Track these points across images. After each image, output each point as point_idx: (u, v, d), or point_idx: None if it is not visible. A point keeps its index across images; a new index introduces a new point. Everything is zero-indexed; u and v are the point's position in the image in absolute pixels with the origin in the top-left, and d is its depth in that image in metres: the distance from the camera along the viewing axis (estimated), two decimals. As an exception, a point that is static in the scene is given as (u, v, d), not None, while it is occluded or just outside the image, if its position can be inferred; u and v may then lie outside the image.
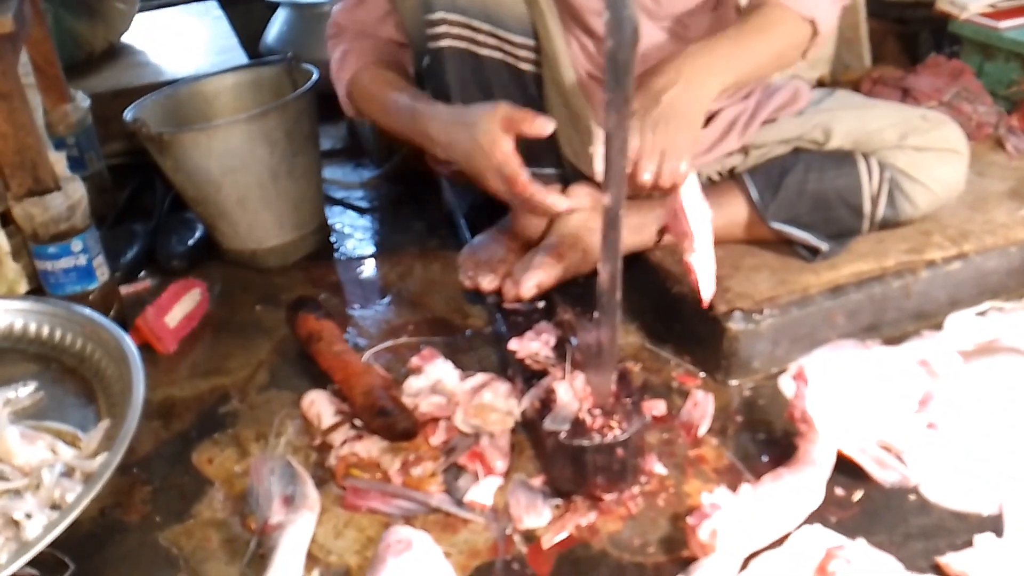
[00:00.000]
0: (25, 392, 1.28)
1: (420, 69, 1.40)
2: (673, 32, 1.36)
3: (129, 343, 1.26)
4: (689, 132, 1.17)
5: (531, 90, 1.37)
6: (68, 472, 1.11)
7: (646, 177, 1.13)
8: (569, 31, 1.35)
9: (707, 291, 1.20)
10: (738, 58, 1.23)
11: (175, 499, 1.20)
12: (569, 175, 1.44)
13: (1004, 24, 1.86)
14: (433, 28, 1.30)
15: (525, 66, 1.36)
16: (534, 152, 1.39)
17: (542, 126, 1.14)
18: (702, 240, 1.16)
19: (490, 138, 1.16)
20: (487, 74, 1.34)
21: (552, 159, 1.42)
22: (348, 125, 2.32)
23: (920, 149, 1.36)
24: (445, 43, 1.31)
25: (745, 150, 1.42)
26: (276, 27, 2.60)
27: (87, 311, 1.36)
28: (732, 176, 1.43)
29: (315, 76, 1.73)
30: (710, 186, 1.43)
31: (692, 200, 1.15)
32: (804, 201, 1.36)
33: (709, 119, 1.39)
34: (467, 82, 1.33)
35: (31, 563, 0.97)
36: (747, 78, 1.29)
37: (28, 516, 1.02)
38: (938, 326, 1.37)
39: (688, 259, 1.18)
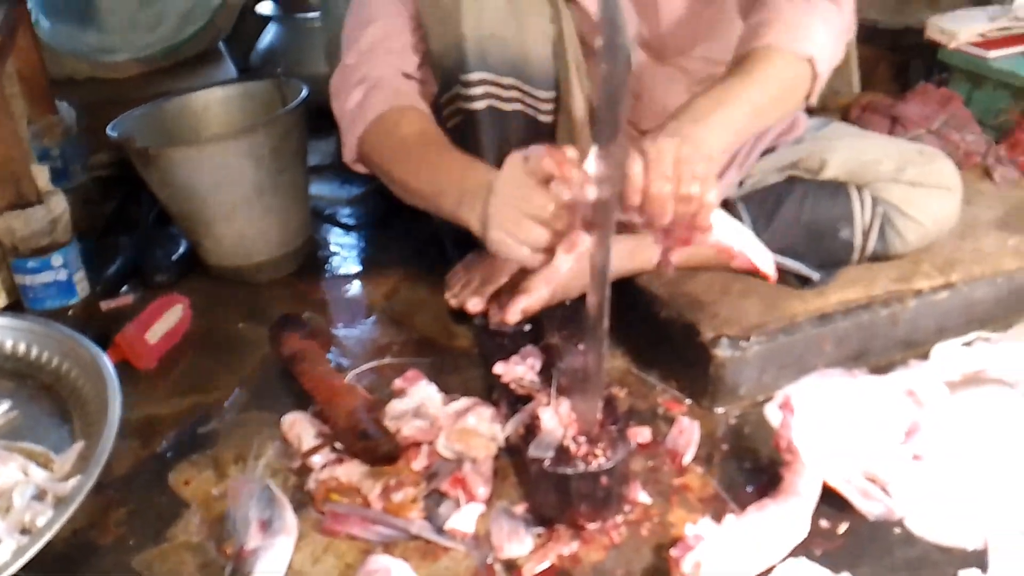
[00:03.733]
0: (-1, 411, 1.26)
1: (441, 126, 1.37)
2: (677, 70, 1.37)
3: (106, 362, 1.24)
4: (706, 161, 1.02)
5: (545, 139, 1.36)
6: (40, 495, 1.09)
7: (663, 188, 0.96)
8: (591, 78, 1.35)
9: (769, 268, 1.10)
10: (736, 111, 1.12)
11: (150, 521, 1.17)
12: None
13: (993, 54, 1.87)
14: (469, 88, 1.28)
15: (543, 117, 1.36)
16: None
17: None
18: (752, 249, 1.08)
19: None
20: (508, 126, 1.32)
21: None
22: (337, 141, 2.30)
23: (915, 184, 1.36)
24: (482, 104, 1.29)
25: (740, 180, 1.41)
26: (267, 40, 2.59)
27: (65, 328, 1.34)
28: (725, 204, 1.42)
29: (305, 92, 1.72)
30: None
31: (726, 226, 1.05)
32: (797, 231, 1.35)
33: None
34: (493, 139, 1.32)
35: (-1, 588, 0.95)
36: (748, 131, 1.20)
37: (-3, 540, 1.00)
38: (925, 355, 1.36)
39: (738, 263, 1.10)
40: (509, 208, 0.99)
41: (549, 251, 1.02)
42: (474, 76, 1.27)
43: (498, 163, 1.32)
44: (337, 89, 1.35)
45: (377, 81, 1.30)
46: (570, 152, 0.95)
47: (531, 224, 0.98)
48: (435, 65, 1.31)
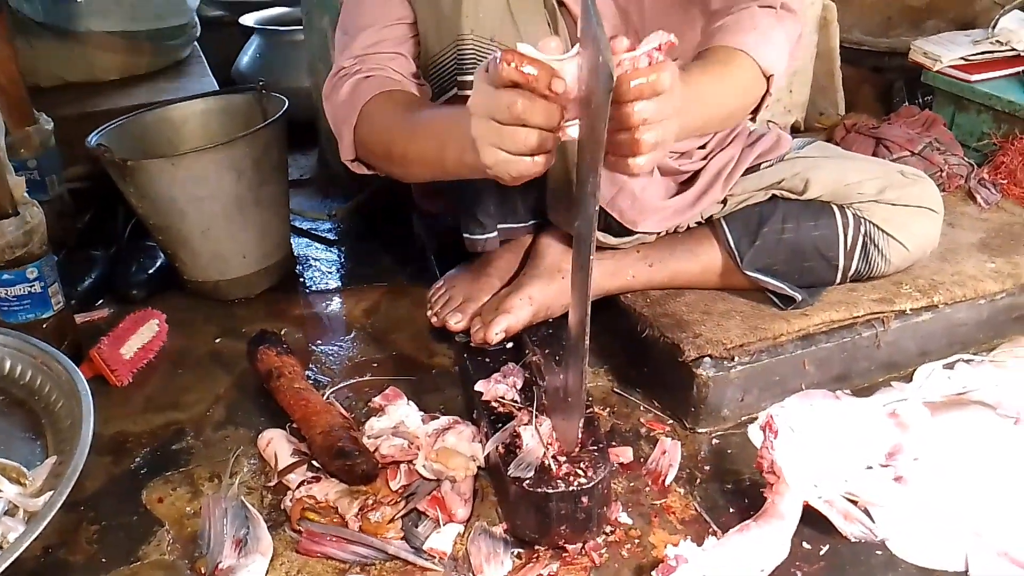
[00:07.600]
0: (-31, 425, 1.23)
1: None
2: None
3: (80, 377, 1.21)
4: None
5: None
6: (11, 511, 1.06)
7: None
8: None
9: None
10: (695, 106, 1.06)
11: (122, 539, 1.15)
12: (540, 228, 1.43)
13: (976, 77, 1.89)
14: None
15: None
16: (510, 208, 1.37)
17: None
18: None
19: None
20: None
21: (525, 215, 1.40)
22: (318, 155, 2.29)
23: (897, 204, 1.36)
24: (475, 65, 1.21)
25: (724, 199, 1.41)
26: (249, 54, 2.58)
27: (39, 342, 1.31)
28: (709, 222, 1.42)
29: (286, 105, 1.70)
30: (686, 232, 1.42)
31: None
32: (780, 251, 1.35)
33: (696, 174, 1.38)
34: None
35: (-35, 607, 0.92)
36: (696, 130, 1.19)
37: (-36, 557, 0.97)
38: (907, 377, 1.36)
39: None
40: (486, 122, 0.91)
41: (548, 151, 0.93)
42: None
43: None
44: (329, 91, 1.30)
45: (368, 72, 1.26)
46: (523, 47, 0.87)
47: (512, 128, 0.89)
48: (431, 67, 1.29)
